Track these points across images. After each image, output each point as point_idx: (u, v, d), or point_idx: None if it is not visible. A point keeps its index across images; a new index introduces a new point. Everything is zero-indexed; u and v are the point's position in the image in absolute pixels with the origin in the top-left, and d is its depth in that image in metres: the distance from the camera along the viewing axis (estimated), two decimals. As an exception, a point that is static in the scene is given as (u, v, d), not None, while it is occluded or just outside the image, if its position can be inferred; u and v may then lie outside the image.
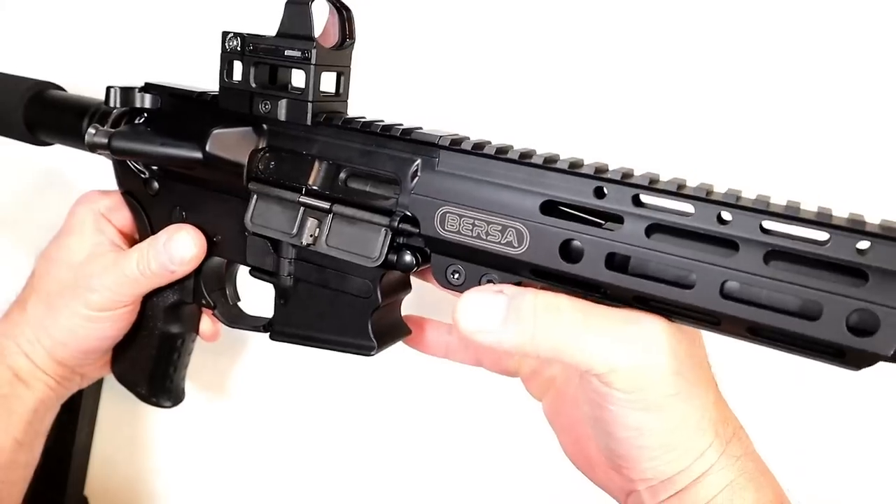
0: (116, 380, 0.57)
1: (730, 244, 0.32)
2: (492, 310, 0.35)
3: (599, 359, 0.34)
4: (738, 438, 0.37)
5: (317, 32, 0.42)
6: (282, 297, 0.46)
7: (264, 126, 0.44)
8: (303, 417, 0.68)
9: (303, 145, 0.43)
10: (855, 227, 0.30)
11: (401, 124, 0.41)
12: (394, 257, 0.40)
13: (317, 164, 0.43)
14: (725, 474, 0.36)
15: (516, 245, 0.36)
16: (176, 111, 0.48)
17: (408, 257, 0.40)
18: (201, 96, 0.47)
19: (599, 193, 0.35)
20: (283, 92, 0.43)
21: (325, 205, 0.42)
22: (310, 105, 0.42)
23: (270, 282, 0.46)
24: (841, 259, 0.30)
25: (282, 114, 0.43)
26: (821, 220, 0.31)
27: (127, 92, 0.49)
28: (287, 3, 0.41)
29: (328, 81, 0.44)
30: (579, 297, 0.36)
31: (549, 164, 0.36)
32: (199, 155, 0.45)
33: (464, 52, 0.57)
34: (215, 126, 0.45)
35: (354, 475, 0.67)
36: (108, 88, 0.48)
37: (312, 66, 0.41)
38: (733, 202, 0.32)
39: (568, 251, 0.35)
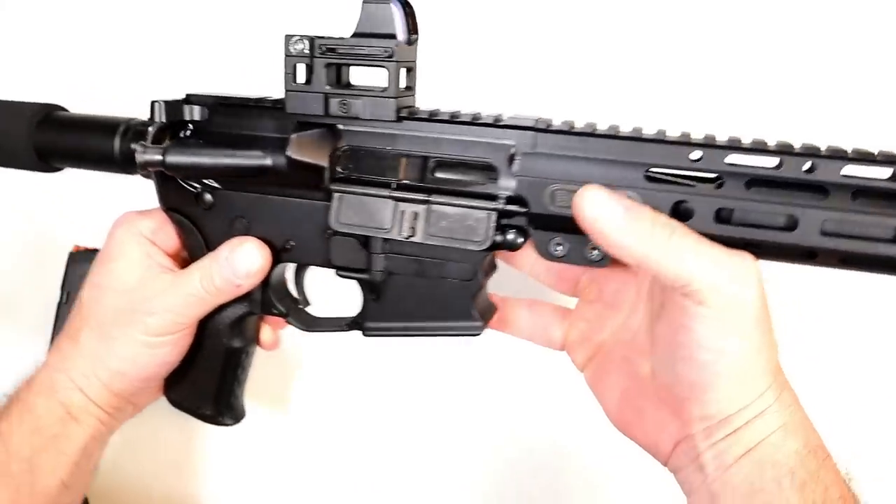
0: (174, 406, 0.55)
1: (820, 189, 0.37)
2: (616, 205, 0.37)
3: (701, 276, 0.36)
4: (788, 389, 0.40)
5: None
6: (373, 292, 0.47)
7: (339, 126, 0.45)
8: (308, 418, 0.68)
9: (386, 141, 0.44)
10: None
11: (479, 113, 0.43)
12: (499, 238, 0.42)
13: (404, 158, 0.44)
14: (780, 416, 0.39)
15: None
16: (230, 120, 0.47)
17: (512, 236, 0.43)
18: (261, 102, 0.46)
19: (696, 157, 0.39)
20: (362, 91, 0.44)
21: (422, 196, 0.43)
22: (394, 101, 0.43)
23: (359, 279, 0.47)
24: None
25: (365, 112, 0.44)
26: (889, 159, 0.36)
27: (174, 105, 0.47)
28: (365, 3, 0.42)
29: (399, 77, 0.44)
30: None
31: (641, 136, 0.40)
32: (269, 162, 0.45)
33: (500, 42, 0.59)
34: (293, 130, 0.45)
35: (360, 479, 0.68)
36: (153, 103, 0.47)
37: (395, 64, 0.42)
38: (816, 153, 0.37)
39: (678, 211, 0.39)
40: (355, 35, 0.42)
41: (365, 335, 0.48)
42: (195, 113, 0.48)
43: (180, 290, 0.49)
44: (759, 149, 0.38)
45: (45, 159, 0.53)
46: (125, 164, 0.50)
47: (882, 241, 0.36)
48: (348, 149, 0.45)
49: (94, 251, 0.62)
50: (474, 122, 0.42)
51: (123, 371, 0.50)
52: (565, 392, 0.61)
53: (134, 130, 0.50)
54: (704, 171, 0.39)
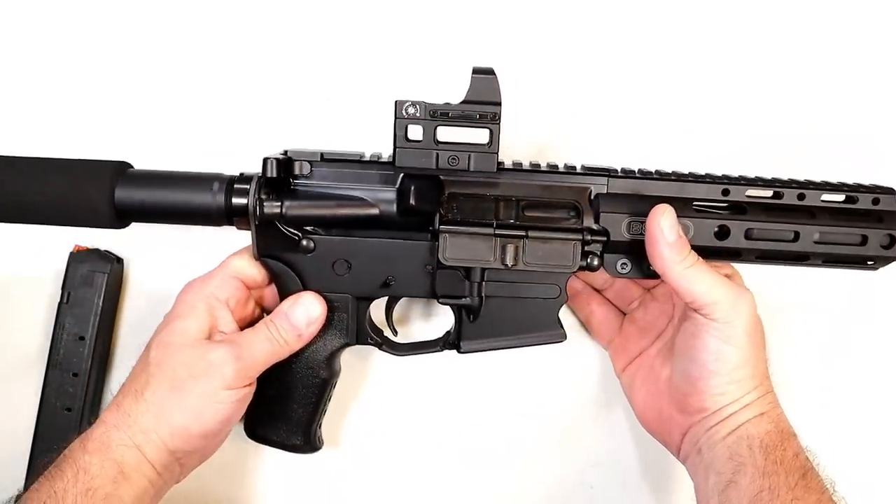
0: (259, 442, 0.58)
1: (808, 211, 0.53)
2: (673, 227, 0.50)
3: (706, 295, 0.50)
4: (771, 392, 0.53)
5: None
6: (469, 314, 0.55)
7: (441, 177, 0.53)
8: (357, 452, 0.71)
9: (485, 188, 0.53)
10: (871, 189, 0.53)
11: (556, 163, 0.54)
12: (583, 262, 0.53)
13: (502, 201, 0.53)
14: (760, 408, 0.52)
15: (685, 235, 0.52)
16: (333, 174, 0.53)
17: (591, 260, 0.54)
18: (375, 157, 0.53)
19: (725, 192, 0.53)
20: (469, 147, 0.52)
21: (521, 232, 0.52)
22: (496, 155, 0.52)
23: (459, 305, 0.55)
24: (865, 208, 0.53)
25: (472, 165, 0.52)
26: (847, 188, 0.54)
27: (284, 161, 0.52)
28: (474, 76, 0.51)
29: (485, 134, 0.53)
30: (716, 262, 0.54)
31: (687, 177, 0.53)
32: (377, 211, 0.53)
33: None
34: (398, 182, 0.52)
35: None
36: (266, 159, 0.51)
37: (498, 125, 0.51)
38: (807, 187, 0.53)
39: (721, 233, 0.53)
40: (465, 102, 0.51)
41: (460, 352, 0.55)
42: (304, 168, 0.53)
43: (252, 343, 0.53)
44: (765, 182, 0.53)
45: (124, 217, 0.54)
46: (220, 217, 0.53)
47: (853, 245, 0.53)
48: (451, 196, 0.53)
49: (95, 251, 0.65)
50: (558, 170, 0.53)
51: (186, 426, 0.51)
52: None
53: (231, 185, 0.53)
54: (732, 202, 0.53)
